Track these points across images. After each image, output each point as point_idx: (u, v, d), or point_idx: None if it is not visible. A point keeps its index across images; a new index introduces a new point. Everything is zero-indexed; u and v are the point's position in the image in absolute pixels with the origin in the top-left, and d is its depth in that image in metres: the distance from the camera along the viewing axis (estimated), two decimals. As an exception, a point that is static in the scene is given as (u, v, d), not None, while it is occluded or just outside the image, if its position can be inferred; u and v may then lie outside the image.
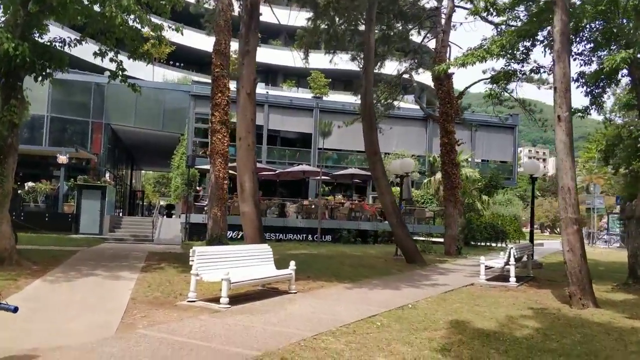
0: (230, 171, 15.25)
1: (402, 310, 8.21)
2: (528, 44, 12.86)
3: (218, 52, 14.83)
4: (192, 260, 8.33)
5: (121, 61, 13.74)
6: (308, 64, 18.51)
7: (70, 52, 13.98)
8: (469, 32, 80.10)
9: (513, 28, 14.11)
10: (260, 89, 38.47)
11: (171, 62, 41.60)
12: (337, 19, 15.84)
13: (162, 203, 31.07)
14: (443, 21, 19.25)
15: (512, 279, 11.83)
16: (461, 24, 20.16)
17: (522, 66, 13.52)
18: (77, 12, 12.27)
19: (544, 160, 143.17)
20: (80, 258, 13.76)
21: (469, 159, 30.55)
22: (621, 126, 32.40)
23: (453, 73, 18.88)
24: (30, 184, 21.92)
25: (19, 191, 22.06)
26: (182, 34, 13.15)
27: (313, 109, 30.82)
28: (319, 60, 44.23)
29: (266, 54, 41.07)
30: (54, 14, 12.25)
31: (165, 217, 30.04)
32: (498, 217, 22.84)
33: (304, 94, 38.61)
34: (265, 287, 9.74)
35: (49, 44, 12.40)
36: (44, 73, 12.18)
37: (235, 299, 8.39)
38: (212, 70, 14.90)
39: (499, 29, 19.29)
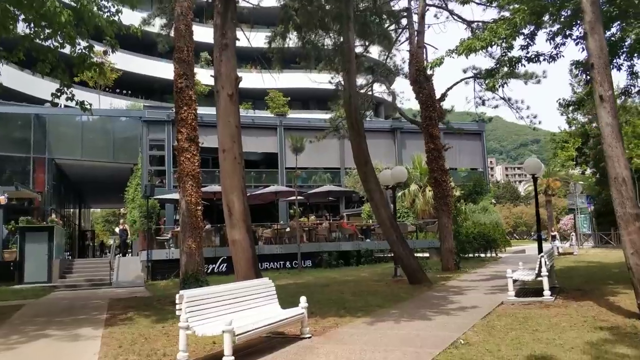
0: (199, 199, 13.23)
1: (458, 350, 6.41)
2: (532, 27, 11.57)
3: (180, 61, 12.85)
4: (180, 309, 6.29)
5: (66, 83, 11.61)
6: (277, 80, 16.79)
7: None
8: (438, 33, 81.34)
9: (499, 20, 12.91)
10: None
11: (117, 90, 38.98)
12: (310, 27, 14.22)
13: (116, 241, 28.26)
14: (415, 22, 18.04)
15: (547, 292, 10.26)
16: (429, 26, 18.70)
17: (527, 52, 12.17)
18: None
19: (492, 168, 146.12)
20: (27, 314, 11.27)
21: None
22: (587, 124, 32.42)
23: (432, 74, 17.60)
24: (-39, 231, 18.95)
25: (-51, 240, 19.09)
26: (113, 52, 11.14)
27: (277, 127, 29.08)
28: (276, 79, 42.81)
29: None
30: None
31: (121, 256, 27.22)
32: (485, 226, 21.63)
33: (264, 113, 36.80)
34: (269, 333, 7.73)
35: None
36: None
37: (239, 354, 6.39)
38: (174, 81, 12.90)
39: (471, 27, 18.39)
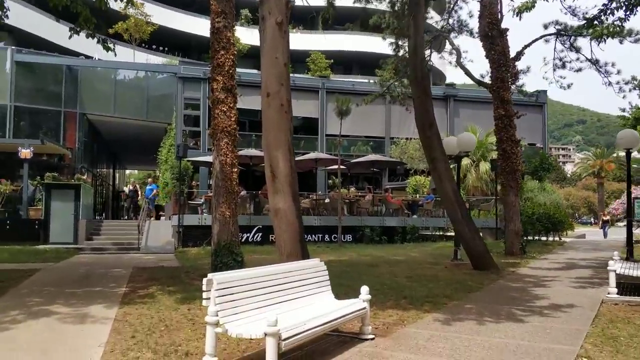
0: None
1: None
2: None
3: (219, -4, 10.97)
4: (207, 297, 4.64)
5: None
6: (321, 42, 14.74)
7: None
8: None
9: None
10: (256, 71, 34.69)
11: (154, 47, 37.56)
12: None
13: (126, 203, 27.13)
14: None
15: (661, 293, 8.23)
16: None
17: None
18: None
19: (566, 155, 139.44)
20: (38, 282, 9.93)
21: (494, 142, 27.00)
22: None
23: (507, 29, 15.26)
24: (-14, 184, 17.94)
25: (-27, 193, 18.14)
26: None
27: (319, 89, 27.06)
28: (318, 41, 40.59)
29: (254, 37, 37.18)
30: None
31: (152, 219, 26.11)
32: (548, 206, 19.39)
33: (304, 76, 34.76)
34: (321, 329, 6.02)
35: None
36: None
37: (283, 359, 4.75)
38: (211, 20, 11.08)
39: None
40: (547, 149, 29.47)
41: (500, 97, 15.24)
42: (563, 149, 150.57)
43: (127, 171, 50.49)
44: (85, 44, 32.08)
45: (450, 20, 18.64)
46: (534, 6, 9.80)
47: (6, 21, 26.55)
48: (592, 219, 63.53)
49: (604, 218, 33.97)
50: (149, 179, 25.20)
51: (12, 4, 28.08)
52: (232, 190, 10.77)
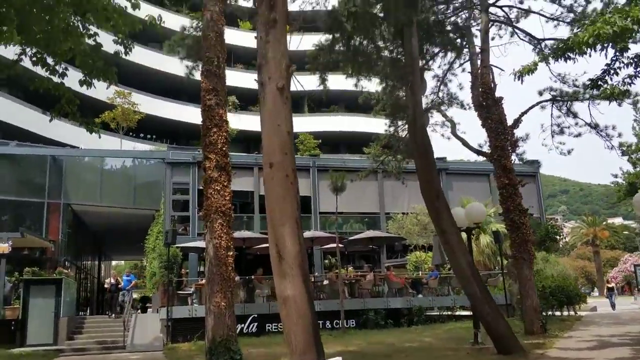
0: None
1: None
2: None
3: (209, 74, 10.59)
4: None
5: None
6: (327, 87, 14.39)
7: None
8: (498, 57, 70.48)
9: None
10: (247, 153, 34.44)
11: (141, 135, 37.48)
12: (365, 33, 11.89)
13: (134, 296, 25.70)
14: (476, 38, 15.73)
15: None
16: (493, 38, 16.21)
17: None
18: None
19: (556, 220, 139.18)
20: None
21: (492, 214, 26.42)
22: None
23: (502, 97, 15.10)
24: (-42, 284, 16.58)
25: (-57, 295, 16.74)
26: (126, 52, 8.96)
27: (310, 168, 26.65)
28: (305, 123, 40.94)
29: (245, 122, 37.49)
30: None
31: (139, 311, 24.50)
32: (557, 279, 18.42)
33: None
34: None
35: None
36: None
37: None
38: (202, 98, 10.62)
39: (540, 46, 16.00)
40: (545, 218, 28.89)
41: (502, 165, 14.77)
42: (550, 219, 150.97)
43: (113, 262, 48.74)
44: (71, 135, 31.94)
45: (440, 94, 18.57)
46: (536, 69, 9.47)
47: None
48: (590, 289, 61.97)
49: (609, 285, 32.67)
50: (126, 270, 23.78)
51: (-1, 99, 28.11)
52: (228, 277, 9.78)
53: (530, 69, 9.62)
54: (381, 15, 12.45)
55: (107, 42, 9.02)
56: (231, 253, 9.95)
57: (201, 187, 24.29)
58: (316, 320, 7.33)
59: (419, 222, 23.98)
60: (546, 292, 17.23)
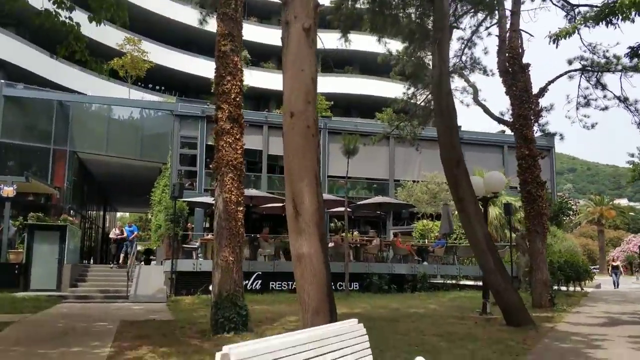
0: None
1: None
2: None
3: (225, 17, 9.97)
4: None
5: None
6: (350, 43, 13.79)
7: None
8: (527, 22, 62.42)
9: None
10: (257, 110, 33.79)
11: (150, 86, 36.84)
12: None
13: (138, 248, 25.67)
14: (507, 2, 14.95)
15: None
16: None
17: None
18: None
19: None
20: (8, 338, 8.45)
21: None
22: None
23: (529, 64, 14.45)
24: (-38, 225, 16.46)
25: (-53, 235, 16.66)
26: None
27: (321, 130, 26.05)
28: (318, 82, 40.12)
29: (256, 78, 36.64)
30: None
31: (142, 264, 24.51)
32: (567, 253, 18.14)
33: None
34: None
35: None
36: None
37: None
38: (216, 43, 10.04)
39: (573, 12, 15.20)
40: (555, 195, 28.41)
41: (523, 135, 14.26)
42: (559, 196, 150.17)
43: (119, 214, 48.86)
44: (78, 81, 31.34)
45: (463, 57, 17.86)
46: (574, 32, 8.89)
47: (-2, 55, 25.53)
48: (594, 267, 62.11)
49: (614, 264, 32.35)
50: (128, 221, 23.54)
51: (4, 39, 27.45)
52: (237, 232, 9.46)
53: (567, 32, 9.06)
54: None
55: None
56: (241, 208, 9.60)
57: (210, 143, 24.21)
58: (330, 280, 7.04)
59: (428, 191, 23.62)
60: (554, 266, 16.97)
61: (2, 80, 23.44)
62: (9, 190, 16.56)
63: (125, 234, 20.70)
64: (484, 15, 15.41)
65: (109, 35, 29.95)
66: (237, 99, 9.89)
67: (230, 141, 9.65)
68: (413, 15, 14.21)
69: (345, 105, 42.83)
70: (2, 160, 22.21)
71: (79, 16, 9.00)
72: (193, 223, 22.85)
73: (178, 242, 18.28)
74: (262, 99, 41.76)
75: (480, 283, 18.89)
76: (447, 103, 10.84)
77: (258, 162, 25.89)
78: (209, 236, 19.01)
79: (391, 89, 36.26)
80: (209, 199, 20.08)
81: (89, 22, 8.78)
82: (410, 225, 25.47)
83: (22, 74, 27.94)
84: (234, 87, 9.83)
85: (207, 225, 24.47)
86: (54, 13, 8.75)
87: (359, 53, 36.83)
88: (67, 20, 8.82)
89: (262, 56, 40.60)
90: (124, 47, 28.95)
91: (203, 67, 36.37)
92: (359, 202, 21.09)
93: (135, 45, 29.52)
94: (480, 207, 11.51)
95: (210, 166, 9.93)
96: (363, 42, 31.13)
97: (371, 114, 38.82)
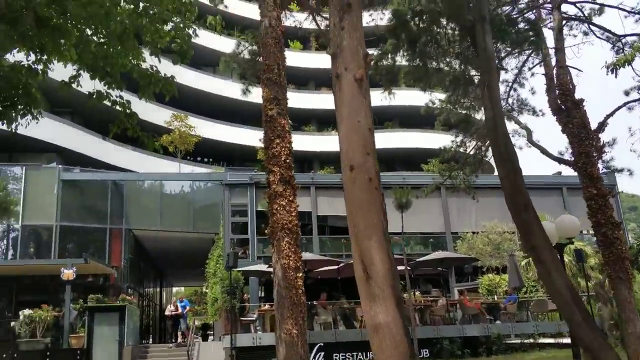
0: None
1: None
2: None
3: (270, 82, 9.97)
4: None
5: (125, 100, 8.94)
6: (393, 97, 13.59)
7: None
8: (571, 59, 60.93)
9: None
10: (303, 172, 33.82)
11: (198, 159, 37.78)
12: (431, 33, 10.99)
13: (196, 323, 25.32)
14: (551, 38, 14.49)
15: None
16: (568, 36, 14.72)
17: None
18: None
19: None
20: None
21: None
22: None
23: (583, 99, 13.75)
24: (26, 311, 16.56)
25: (12, 323, 16.77)
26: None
27: (370, 187, 25.61)
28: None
29: (298, 142, 36.89)
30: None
31: (200, 340, 24.06)
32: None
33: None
34: None
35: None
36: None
37: None
38: (262, 108, 10.00)
39: (620, 43, 14.52)
40: (628, 236, 26.52)
41: (588, 174, 13.28)
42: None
43: (174, 289, 49.10)
44: (130, 161, 32.42)
45: (510, 100, 17.35)
46: (633, 59, 8.27)
47: (54, 142, 26.82)
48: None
49: None
50: (179, 296, 23.31)
51: (60, 125, 28.93)
52: (299, 301, 8.92)
53: (627, 60, 8.46)
54: (444, 13, 11.52)
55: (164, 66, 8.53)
56: (300, 274, 9.11)
57: (260, 209, 24.14)
58: (414, 350, 6.32)
59: (490, 242, 22.45)
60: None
61: (60, 166, 24.43)
62: (69, 273, 16.70)
63: (179, 310, 20.41)
64: (527, 55, 14.97)
65: (157, 114, 31.18)
66: (287, 161, 9.67)
67: (284, 204, 9.33)
68: (455, 63, 13.96)
69: (389, 160, 42.41)
70: (62, 243, 22.70)
71: (128, 97, 9.13)
72: (249, 293, 22.40)
73: (236, 315, 17.78)
74: (305, 161, 42.03)
75: (562, 340, 17.44)
76: (506, 145, 10.21)
77: (308, 224, 25.50)
78: (266, 306, 18.48)
79: (434, 140, 35.78)
80: (263, 267, 19.69)
81: (139, 98, 8.85)
82: (475, 280, 24.11)
83: (77, 158, 29.16)
84: (283, 149, 9.64)
85: (262, 294, 24.00)
86: (105, 94, 8.90)
87: (398, 107, 36.78)
88: (118, 99, 8.96)
89: (303, 120, 41.17)
90: (172, 123, 29.98)
91: (247, 137, 37.25)
92: (417, 259, 20.13)
93: (182, 121, 30.55)
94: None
95: (265, 231, 9.61)
96: (401, 96, 31.18)
97: (416, 167, 38.25)
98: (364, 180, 6.65)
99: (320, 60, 40.35)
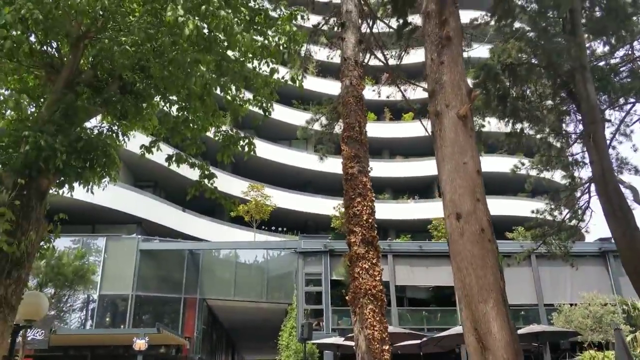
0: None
1: None
2: None
3: (351, 140, 9.45)
4: None
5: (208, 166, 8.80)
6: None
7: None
8: None
9: None
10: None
11: (272, 228, 37.80)
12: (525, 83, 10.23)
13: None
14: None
15: None
16: None
17: None
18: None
19: None
20: None
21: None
22: None
23: None
24: (98, 382, 16.26)
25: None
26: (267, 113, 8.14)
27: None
28: (437, 208, 38.78)
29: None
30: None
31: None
32: None
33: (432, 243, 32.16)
34: None
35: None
36: (78, 173, 7.11)
37: None
38: (343, 166, 9.43)
39: None
40: None
41: None
42: None
43: (245, 361, 47.95)
44: (206, 230, 32.91)
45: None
46: None
47: (136, 214, 27.70)
48: None
49: None
50: None
51: (143, 199, 30.01)
52: (387, 379, 7.81)
53: None
54: (541, 62, 10.75)
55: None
56: (387, 347, 8.03)
57: (334, 277, 23.23)
58: None
59: (590, 314, 20.05)
60: None
61: (140, 236, 24.99)
62: (141, 344, 16.37)
63: None
64: (629, 108, 13.70)
65: (233, 185, 31.79)
66: (370, 221, 8.89)
67: (367, 267, 8.46)
68: (549, 118, 12.97)
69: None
70: (137, 312, 22.71)
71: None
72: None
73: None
74: (380, 230, 40.84)
75: None
76: (620, 202, 8.98)
77: (386, 295, 24.22)
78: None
79: (518, 207, 33.97)
80: (338, 340, 18.53)
81: (221, 159, 8.66)
82: (573, 358, 21.42)
83: (156, 229, 29.87)
84: (365, 208, 8.91)
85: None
86: (184, 157, 8.79)
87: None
88: (197, 161, 8.82)
89: (377, 189, 40.44)
90: (249, 193, 30.35)
91: (319, 206, 37.13)
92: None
93: (259, 191, 30.91)
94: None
95: (346, 298, 8.71)
96: (483, 162, 30.01)
97: (499, 235, 36.07)
98: (474, 232, 5.73)
99: (393, 130, 40.43)
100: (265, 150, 37.86)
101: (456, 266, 5.74)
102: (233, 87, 7.90)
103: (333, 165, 37.45)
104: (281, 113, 38.80)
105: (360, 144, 9.54)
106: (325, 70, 41.36)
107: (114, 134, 7.99)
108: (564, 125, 13.38)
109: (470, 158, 5.88)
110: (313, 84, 40.22)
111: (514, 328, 5.42)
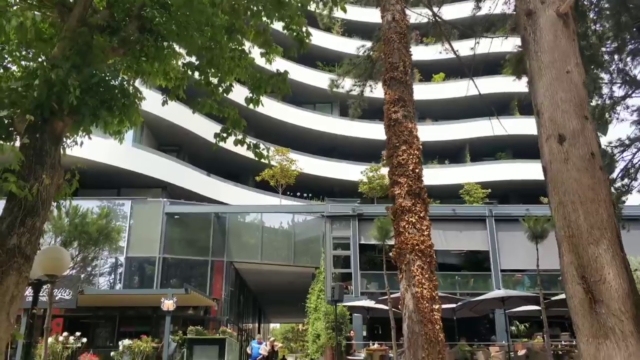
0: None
1: None
2: None
3: (394, 81, 8.55)
4: None
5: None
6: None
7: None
8: None
9: None
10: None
11: (298, 194, 37.23)
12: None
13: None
14: None
15: None
16: None
17: None
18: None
19: None
20: None
21: None
22: None
23: None
24: (126, 342, 16.07)
25: (112, 353, 16.33)
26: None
27: (485, 218, 23.21)
28: (469, 172, 37.57)
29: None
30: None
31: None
32: None
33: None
34: None
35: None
36: (92, 118, 6.37)
37: None
38: (385, 112, 8.54)
39: None
40: None
41: None
42: None
43: (271, 325, 48.34)
44: (231, 195, 32.52)
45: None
46: None
47: (161, 178, 27.28)
48: None
49: None
50: (257, 337, 21.14)
51: (168, 163, 29.65)
52: (436, 339, 7.10)
53: None
54: None
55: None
56: (437, 307, 7.30)
57: (363, 242, 22.56)
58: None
59: (638, 279, 19.04)
60: None
61: (165, 199, 24.63)
62: (169, 304, 16.05)
63: (266, 350, 18.48)
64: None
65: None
66: (417, 171, 8.05)
67: (414, 221, 7.67)
68: None
69: (503, 193, 39.14)
70: (165, 275, 22.51)
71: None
72: (352, 330, 20.65)
73: (341, 353, 16.11)
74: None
75: None
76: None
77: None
78: (375, 346, 16.67)
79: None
80: (369, 303, 18.01)
81: (246, 104, 7.87)
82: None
83: (181, 193, 29.57)
84: (411, 157, 8.06)
85: (365, 333, 22.21)
86: (209, 102, 8.05)
87: (511, 137, 33.97)
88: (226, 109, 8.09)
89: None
90: (274, 157, 29.66)
91: (345, 171, 36.35)
92: (553, 298, 17.30)
93: (284, 155, 30.24)
94: None
95: (390, 254, 7.99)
96: (514, 124, 28.84)
97: (532, 200, 34.73)
98: (582, 156, 4.65)
99: (423, 92, 38.91)
100: (289, 113, 36.96)
101: (558, 200, 4.69)
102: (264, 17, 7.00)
103: (360, 129, 36.55)
104: (305, 74, 37.65)
105: (405, 86, 8.63)
106: (350, 30, 39.95)
107: (133, 79, 7.23)
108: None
109: (574, 66, 4.79)
110: (338, 43, 38.86)
111: (632, 277, 4.48)
